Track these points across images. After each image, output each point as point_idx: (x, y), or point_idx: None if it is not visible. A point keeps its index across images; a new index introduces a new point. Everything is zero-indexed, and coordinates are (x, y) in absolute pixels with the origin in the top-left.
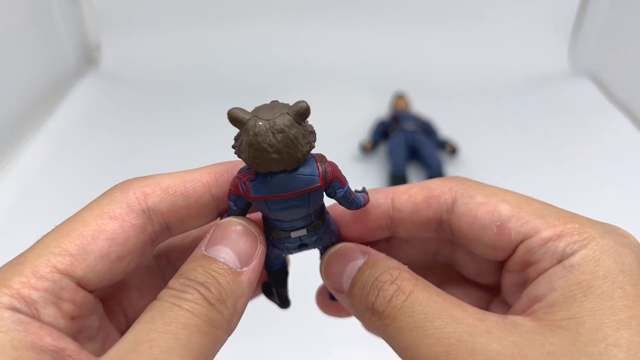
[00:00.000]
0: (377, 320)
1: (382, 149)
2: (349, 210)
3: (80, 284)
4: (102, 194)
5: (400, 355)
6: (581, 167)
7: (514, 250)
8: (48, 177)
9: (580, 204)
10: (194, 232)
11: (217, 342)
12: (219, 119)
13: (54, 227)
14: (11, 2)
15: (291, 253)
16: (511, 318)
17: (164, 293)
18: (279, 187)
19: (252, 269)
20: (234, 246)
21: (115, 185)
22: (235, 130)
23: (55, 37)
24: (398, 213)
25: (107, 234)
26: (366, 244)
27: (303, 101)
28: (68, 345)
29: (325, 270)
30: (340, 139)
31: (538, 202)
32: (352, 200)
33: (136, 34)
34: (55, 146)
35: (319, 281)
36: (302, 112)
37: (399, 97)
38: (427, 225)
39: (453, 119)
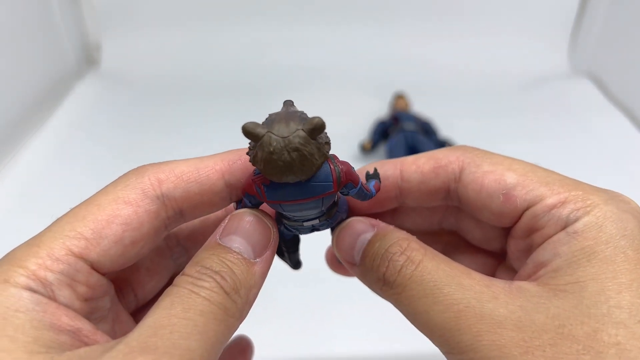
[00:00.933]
0: (388, 289)
1: (382, 149)
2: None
3: (94, 267)
4: (117, 179)
5: (412, 322)
6: (581, 167)
7: (519, 217)
8: (48, 177)
9: None
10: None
11: (230, 330)
12: (220, 119)
13: (69, 209)
14: (11, 2)
15: (302, 234)
16: (517, 284)
17: (182, 279)
18: (293, 193)
19: (265, 260)
20: (248, 237)
21: (130, 171)
22: (233, 134)
23: (55, 37)
24: (406, 184)
25: (121, 218)
26: (374, 215)
27: (318, 117)
28: (84, 325)
29: (337, 244)
30: (340, 139)
31: (543, 170)
32: (365, 194)
33: (136, 34)
34: (55, 146)
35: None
36: (317, 128)
37: (399, 97)
38: (435, 194)
39: (453, 119)
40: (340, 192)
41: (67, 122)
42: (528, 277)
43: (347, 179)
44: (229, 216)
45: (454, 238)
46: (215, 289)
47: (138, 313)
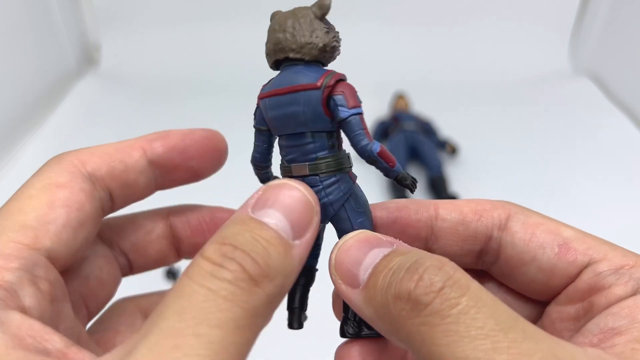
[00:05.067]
0: (412, 313)
1: None
2: (387, 215)
3: (50, 257)
4: (37, 171)
5: None
6: (581, 167)
7: (575, 276)
8: None
9: (580, 204)
10: (142, 223)
11: (255, 335)
12: (219, 118)
13: None
14: (11, 2)
15: None
16: (592, 352)
17: (197, 268)
18: (278, 83)
19: (305, 243)
20: (288, 212)
21: (48, 160)
22: (233, 133)
23: (55, 37)
24: (442, 223)
25: (60, 201)
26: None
27: None
28: (59, 343)
29: (337, 257)
30: None
31: (598, 237)
32: (359, 135)
33: (136, 34)
34: (55, 146)
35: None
36: (321, 4)
37: (399, 97)
38: (473, 241)
39: (453, 119)
40: (329, 108)
41: (66, 122)
42: (594, 345)
43: (335, 86)
44: (262, 186)
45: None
46: (240, 279)
47: (91, 328)
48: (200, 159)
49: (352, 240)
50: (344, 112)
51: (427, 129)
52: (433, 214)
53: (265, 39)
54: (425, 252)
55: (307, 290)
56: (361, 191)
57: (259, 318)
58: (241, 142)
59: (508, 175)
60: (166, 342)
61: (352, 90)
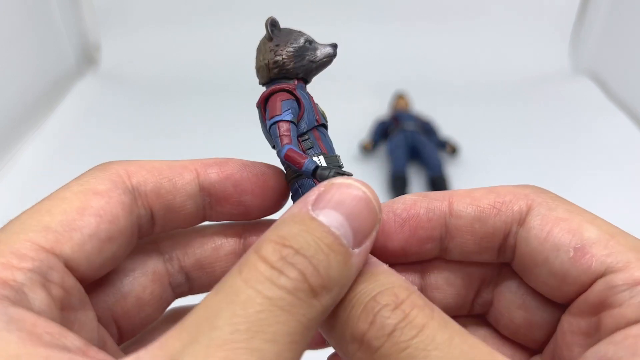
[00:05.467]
0: (365, 355)
1: (382, 149)
2: (397, 215)
3: (69, 265)
4: (80, 175)
5: None
6: (582, 167)
7: (588, 286)
8: (47, 177)
9: (580, 203)
10: (210, 237)
11: (304, 350)
12: (219, 118)
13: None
14: (11, 2)
15: None
16: None
17: (253, 270)
18: None
19: (364, 252)
20: (351, 217)
21: (93, 166)
22: (233, 133)
23: (55, 37)
24: (457, 220)
25: (93, 210)
26: (403, 266)
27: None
28: (75, 341)
29: None
30: (340, 139)
31: (633, 237)
32: (275, 142)
33: (136, 34)
34: (54, 146)
35: None
36: (265, 25)
37: (399, 97)
38: (490, 239)
39: (453, 119)
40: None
41: (66, 122)
42: None
43: (261, 100)
44: (325, 182)
45: (475, 321)
46: (300, 289)
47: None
48: (254, 195)
49: None
50: (267, 125)
51: (427, 128)
52: (446, 210)
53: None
54: (391, 276)
55: None
56: None
57: (312, 331)
58: (241, 142)
59: (508, 175)
60: (217, 354)
61: (274, 101)
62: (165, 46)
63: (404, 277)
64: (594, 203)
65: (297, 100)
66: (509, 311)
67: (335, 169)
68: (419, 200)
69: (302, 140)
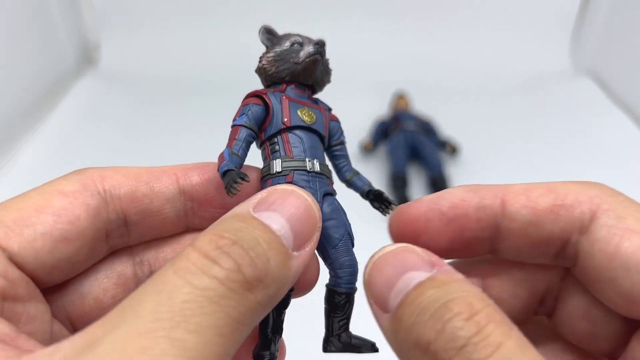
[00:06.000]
0: None
1: (382, 149)
2: (443, 213)
3: (14, 259)
4: (56, 177)
5: None
6: (582, 167)
7: None
8: (47, 176)
9: None
10: (183, 239)
11: (236, 347)
12: (219, 118)
13: None
14: (11, 2)
15: None
16: None
17: (185, 260)
18: None
19: (304, 256)
20: (293, 220)
21: (72, 171)
22: (224, 134)
23: (54, 36)
24: (510, 222)
25: (53, 209)
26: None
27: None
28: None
29: (370, 273)
30: None
31: None
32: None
33: (136, 34)
34: (54, 146)
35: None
36: (258, 34)
37: (400, 97)
38: (546, 244)
39: (453, 119)
40: None
41: (66, 121)
42: None
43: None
44: (267, 189)
45: (538, 326)
46: (232, 279)
47: None
48: (237, 197)
49: (388, 256)
50: None
51: (427, 128)
52: (499, 211)
53: None
54: (465, 285)
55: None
56: None
57: (244, 327)
58: None
59: (509, 175)
60: (135, 343)
61: (240, 106)
62: (165, 46)
63: (480, 289)
64: None
65: (266, 104)
66: (571, 320)
67: (234, 175)
68: (468, 196)
69: (270, 144)
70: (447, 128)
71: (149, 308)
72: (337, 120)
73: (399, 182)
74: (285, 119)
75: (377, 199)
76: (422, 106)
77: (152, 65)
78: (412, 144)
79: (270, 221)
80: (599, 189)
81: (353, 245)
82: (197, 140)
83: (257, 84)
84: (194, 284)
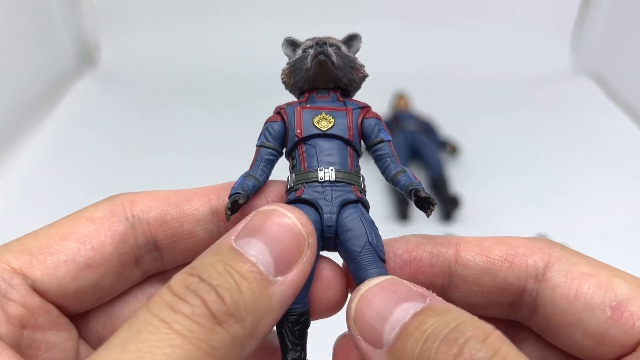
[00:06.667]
0: None
1: None
2: (397, 256)
3: (36, 287)
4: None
5: None
6: (582, 166)
7: (634, 347)
8: (46, 176)
9: (581, 203)
10: None
11: None
12: (218, 118)
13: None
14: (10, 1)
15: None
16: None
17: (157, 298)
18: None
19: (289, 281)
20: (272, 244)
21: (106, 197)
22: (233, 133)
23: (54, 36)
24: (464, 269)
25: (78, 235)
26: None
27: None
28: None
29: (358, 307)
30: None
31: None
32: None
33: (135, 34)
34: (54, 146)
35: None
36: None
37: (400, 97)
38: (501, 294)
39: (454, 119)
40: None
41: (65, 121)
42: None
43: None
44: (252, 212)
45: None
46: (199, 315)
47: None
48: None
49: (376, 288)
50: None
51: (427, 128)
52: (452, 258)
53: (264, 38)
54: (464, 312)
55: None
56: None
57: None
58: (241, 142)
59: (509, 174)
60: None
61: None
62: (165, 46)
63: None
64: (594, 202)
65: (283, 120)
66: None
67: (228, 202)
68: (423, 242)
69: (291, 158)
70: (447, 128)
71: (119, 340)
72: (375, 117)
73: None
74: (298, 131)
75: (418, 202)
76: (422, 106)
77: (151, 66)
78: (412, 144)
79: (247, 248)
80: (545, 242)
81: (380, 256)
82: (197, 140)
83: (257, 83)
84: (162, 318)
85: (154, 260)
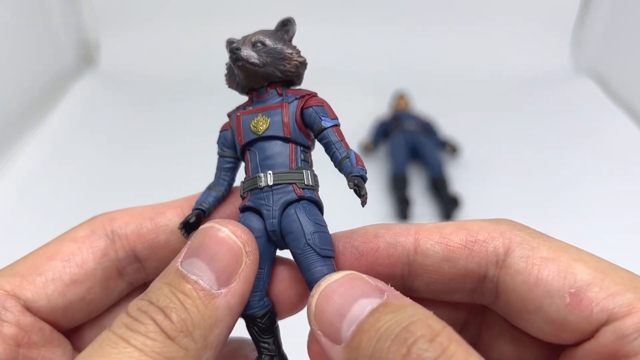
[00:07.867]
0: None
1: (382, 149)
2: (354, 247)
3: (29, 306)
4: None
5: None
6: (583, 166)
7: (592, 334)
8: (46, 176)
9: (581, 203)
10: None
11: None
12: (219, 119)
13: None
14: (10, 1)
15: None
16: None
17: (117, 320)
18: None
19: (233, 291)
20: (211, 260)
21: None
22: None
23: (54, 36)
24: (423, 258)
25: (63, 255)
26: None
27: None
28: None
29: (318, 303)
30: None
31: (625, 270)
32: None
33: (135, 34)
34: (53, 145)
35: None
36: None
37: (400, 97)
38: (462, 281)
39: (454, 119)
40: None
41: (65, 121)
42: None
43: None
44: (197, 230)
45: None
46: (152, 333)
47: None
48: None
49: (335, 285)
50: None
51: (427, 128)
52: (411, 247)
53: None
54: (419, 308)
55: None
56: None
57: None
58: None
59: (509, 174)
60: None
61: None
62: (165, 46)
63: (431, 312)
64: (594, 202)
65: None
66: (498, 345)
67: (186, 217)
68: (380, 232)
69: (245, 168)
70: (447, 128)
71: (83, 355)
72: (315, 105)
73: (399, 182)
74: (239, 138)
75: (355, 191)
76: (422, 106)
77: (151, 66)
78: (413, 144)
79: (190, 268)
80: (507, 224)
81: (322, 254)
82: (197, 141)
83: None
84: (119, 335)
85: (137, 272)
